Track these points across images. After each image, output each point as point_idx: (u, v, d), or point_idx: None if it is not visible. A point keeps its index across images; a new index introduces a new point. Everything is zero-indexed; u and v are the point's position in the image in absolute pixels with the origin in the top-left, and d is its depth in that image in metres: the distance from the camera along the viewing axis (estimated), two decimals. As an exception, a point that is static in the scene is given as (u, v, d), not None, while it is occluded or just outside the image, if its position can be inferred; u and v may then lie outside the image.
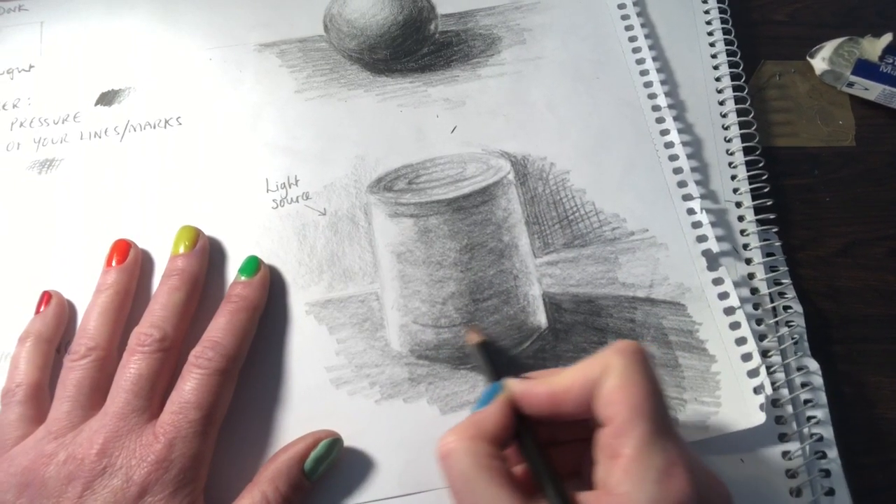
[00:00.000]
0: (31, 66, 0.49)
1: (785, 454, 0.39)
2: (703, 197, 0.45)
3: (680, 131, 0.46)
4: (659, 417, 0.29)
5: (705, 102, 0.48)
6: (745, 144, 0.46)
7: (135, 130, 0.47)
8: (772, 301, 0.43)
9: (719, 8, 0.51)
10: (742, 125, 0.47)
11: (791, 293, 0.44)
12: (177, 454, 0.34)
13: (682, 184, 0.45)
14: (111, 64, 0.49)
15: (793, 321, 0.43)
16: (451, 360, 0.41)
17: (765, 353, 0.41)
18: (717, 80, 0.49)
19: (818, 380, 0.41)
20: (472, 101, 0.48)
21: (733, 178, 0.46)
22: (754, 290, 0.43)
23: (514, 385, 0.33)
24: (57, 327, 0.40)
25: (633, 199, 0.44)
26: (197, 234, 0.42)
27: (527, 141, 0.46)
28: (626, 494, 0.28)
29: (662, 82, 0.48)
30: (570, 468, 0.33)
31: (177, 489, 0.34)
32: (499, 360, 0.39)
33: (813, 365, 0.42)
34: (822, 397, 0.41)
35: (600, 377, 0.30)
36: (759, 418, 0.39)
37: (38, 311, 0.40)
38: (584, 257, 0.43)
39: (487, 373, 0.37)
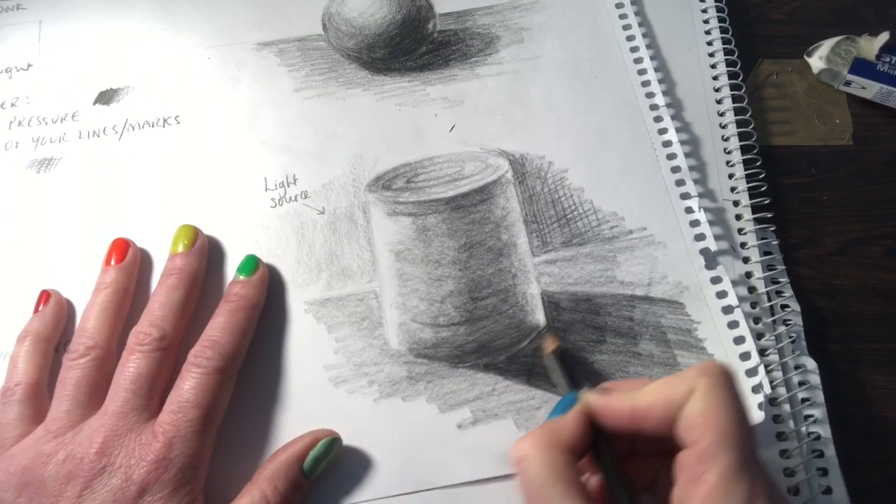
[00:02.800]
0: (29, 65, 0.49)
1: (782, 452, 0.39)
2: (700, 196, 0.45)
3: (678, 130, 0.46)
4: (745, 446, 0.28)
5: (703, 101, 0.48)
6: (742, 143, 0.46)
7: (133, 129, 0.47)
8: (769, 300, 0.43)
9: (717, 7, 0.51)
10: (739, 124, 0.47)
11: (788, 292, 0.44)
12: (176, 453, 0.34)
13: (679, 182, 0.45)
14: (109, 63, 0.49)
15: (790, 320, 0.43)
16: (449, 359, 0.41)
17: (762, 352, 0.41)
18: (715, 78, 0.49)
19: (815, 378, 0.41)
20: (470, 100, 0.48)
21: (731, 176, 0.46)
22: (752, 289, 0.43)
23: (594, 399, 0.32)
24: (56, 326, 0.40)
25: (632, 198, 0.45)
26: (195, 233, 0.42)
27: (525, 140, 0.46)
28: None
29: (660, 81, 0.48)
30: (646, 482, 0.33)
31: (176, 488, 0.34)
32: (574, 367, 0.38)
33: (810, 363, 0.42)
34: (820, 396, 0.41)
35: (684, 399, 0.30)
36: (758, 417, 0.39)
37: (36, 310, 0.40)
38: (583, 256, 0.43)
39: (565, 380, 0.36)
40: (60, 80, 0.48)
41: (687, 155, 0.46)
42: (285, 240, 0.43)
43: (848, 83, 0.50)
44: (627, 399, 0.31)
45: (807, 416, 0.41)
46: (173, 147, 0.46)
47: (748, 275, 0.44)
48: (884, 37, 0.50)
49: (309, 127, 0.47)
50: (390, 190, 0.44)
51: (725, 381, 0.30)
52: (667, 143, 0.46)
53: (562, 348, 0.38)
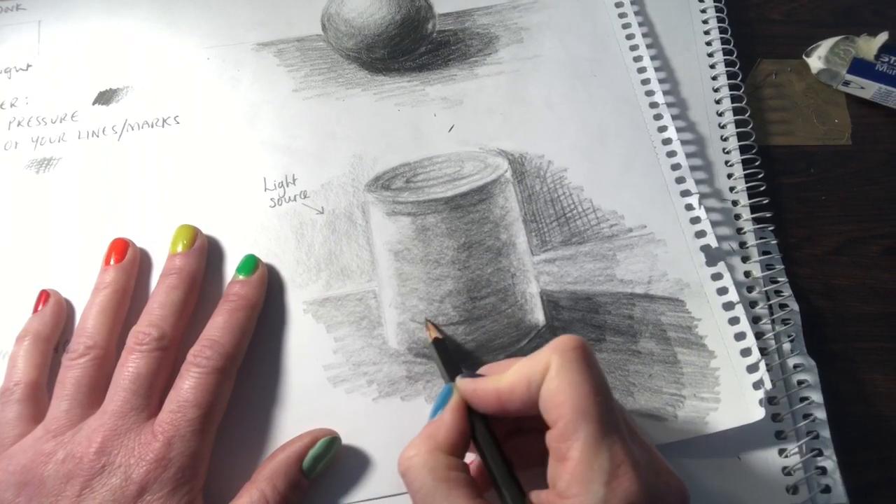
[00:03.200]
0: (28, 66, 0.49)
1: (781, 452, 0.39)
2: (700, 194, 0.45)
3: (677, 129, 0.46)
4: (602, 417, 0.29)
5: (702, 101, 0.48)
6: (741, 143, 0.47)
7: (133, 129, 0.47)
8: (768, 299, 0.43)
9: (716, 7, 0.51)
10: (738, 124, 0.47)
11: (787, 291, 0.44)
12: (175, 453, 0.34)
13: (679, 180, 0.45)
14: (109, 63, 0.49)
15: (789, 319, 0.43)
16: (448, 358, 0.41)
17: (761, 352, 0.41)
18: (714, 78, 0.49)
19: (814, 378, 0.41)
20: (469, 100, 0.48)
21: (730, 176, 0.46)
22: (750, 289, 0.43)
23: (463, 385, 0.33)
24: (55, 326, 0.40)
25: (631, 196, 0.45)
26: (195, 232, 0.42)
27: (524, 139, 0.46)
28: (575, 498, 0.28)
29: (660, 80, 0.48)
30: (536, 457, 0.33)
31: (175, 488, 0.34)
32: (457, 357, 0.39)
33: (809, 363, 0.42)
34: (818, 395, 0.41)
35: (540, 378, 0.30)
36: (759, 413, 0.39)
37: (36, 310, 0.40)
38: (582, 254, 0.43)
39: (442, 372, 0.37)
40: (60, 81, 0.49)
41: (686, 154, 0.46)
42: (284, 239, 0.43)
43: (847, 83, 0.50)
44: (492, 382, 0.32)
45: (805, 416, 0.41)
46: (173, 147, 0.46)
47: (747, 274, 0.44)
48: (882, 37, 0.50)
49: (308, 127, 0.47)
50: (389, 190, 0.44)
51: (577, 354, 0.30)
52: (666, 141, 0.46)
53: (439, 338, 0.39)
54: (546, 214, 0.44)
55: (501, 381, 0.32)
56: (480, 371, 0.34)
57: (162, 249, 0.42)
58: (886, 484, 0.41)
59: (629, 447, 0.29)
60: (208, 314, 0.39)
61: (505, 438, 0.34)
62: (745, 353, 0.40)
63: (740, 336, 0.41)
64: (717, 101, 0.48)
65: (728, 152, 0.47)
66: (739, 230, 0.45)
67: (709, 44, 0.50)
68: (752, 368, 0.40)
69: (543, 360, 0.30)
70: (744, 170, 0.46)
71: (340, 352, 0.41)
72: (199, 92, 0.48)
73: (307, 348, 0.41)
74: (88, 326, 0.38)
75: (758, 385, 0.40)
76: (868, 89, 0.50)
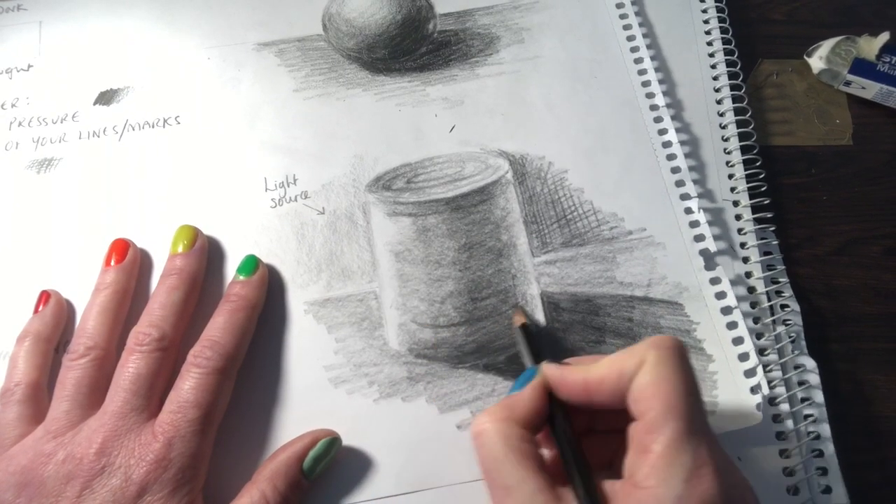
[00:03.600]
0: (29, 66, 0.49)
1: (782, 452, 0.39)
2: (700, 196, 0.45)
3: (678, 130, 0.46)
4: (691, 416, 0.29)
5: (703, 102, 0.48)
6: (742, 143, 0.46)
7: (133, 130, 0.47)
8: (769, 300, 0.43)
9: (717, 7, 0.51)
10: (739, 124, 0.47)
11: (788, 292, 0.44)
12: (175, 453, 0.34)
13: (679, 183, 0.45)
14: (110, 63, 0.49)
15: (790, 320, 0.43)
16: (449, 359, 0.41)
17: (762, 352, 0.41)
18: (715, 79, 0.49)
19: (815, 378, 0.41)
20: (470, 101, 0.48)
21: (730, 177, 0.46)
22: (751, 289, 0.43)
23: (549, 370, 0.33)
24: (55, 327, 0.40)
25: (631, 199, 0.45)
26: (195, 233, 0.42)
27: (525, 140, 0.46)
28: (652, 489, 0.28)
29: (660, 81, 0.48)
30: (605, 458, 0.33)
31: (175, 488, 0.34)
32: (542, 345, 0.39)
33: (810, 363, 0.42)
34: (819, 395, 0.41)
35: (634, 371, 0.30)
36: (756, 418, 0.39)
37: (36, 311, 0.40)
38: (582, 256, 0.43)
39: (527, 356, 0.37)
40: (61, 81, 0.49)
41: (687, 155, 0.46)
42: (285, 240, 0.43)
43: (848, 83, 0.50)
44: (581, 371, 0.32)
45: (806, 416, 0.41)
46: (173, 147, 0.46)
47: (748, 275, 0.44)
48: (884, 37, 0.50)
49: (309, 127, 0.47)
50: (390, 190, 0.44)
51: (675, 353, 0.30)
52: (667, 144, 0.46)
53: (528, 324, 0.38)
54: (547, 216, 0.44)
55: (591, 370, 0.32)
56: (565, 362, 0.34)
57: (162, 250, 0.42)
58: (887, 485, 0.41)
59: (714, 451, 0.29)
60: (209, 315, 0.39)
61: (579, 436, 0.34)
62: (743, 357, 0.40)
63: (738, 340, 0.41)
64: (718, 102, 0.48)
65: (729, 152, 0.47)
66: (740, 230, 0.45)
67: (710, 44, 0.50)
68: (750, 373, 0.40)
69: (639, 353, 0.30)
70: (745, 170, 0.46)
71: (341, 352, 0.41)
72: (200, 92, 0.48)
73: (308, 349, 0.41)
74: (89, 327, 0.38)
75: (755, 389, 0.40)
76: (869, 89, 0.49)
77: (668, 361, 0.30)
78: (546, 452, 0.34)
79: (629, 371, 0.30)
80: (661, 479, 0.28)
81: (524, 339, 0.38)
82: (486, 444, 0.31)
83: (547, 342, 0.41)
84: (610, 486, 0.30)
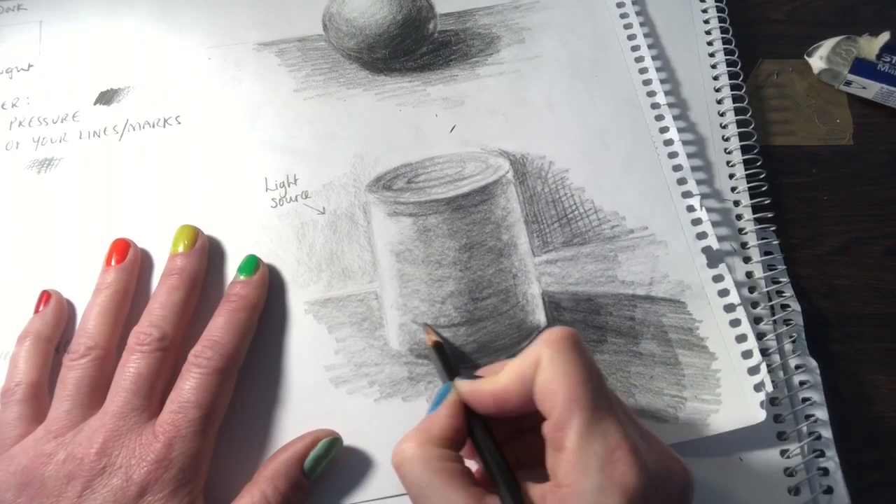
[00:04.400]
0: (30, 66, 0.49)
1: (783, 453, 0.39)
2: (702, 195, 0.45)
3: (679, 129, 0.46)
4: (594, 404, 0.29)
5: (703, 101, 0.48)
6: (743, 143, 0.46)
7: (134, 129, 0.47)
8: (770, 300, 0.43)
9: (717, 7, 0.51)
10: (740, 124, 0.47)
11: (789, 292, 0.44)
12: (176, 453, 0.34)
13: (681, 181, 0.45)
14: (110, 63, 0.49)
15: (791, 320, 0.43)
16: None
17: (763, 352, 0.41)
18: (715, 78, 0.49)
19: (816, 378, 0.41)
20: (470, 101, 0.48)
21: (731, 176, 0.46)
22: (752, 289, 0.43)
23: (462, 386, 0.33)
24: (56, 326, 0.40)
25: (633, 197, 0.45)
26: (196, 233, 0.42)
27: (526, 140, 0.46)
28: (573, 486, 0.28)
29: (661, 81, 0.48)
30: (538, 456, 0.32)
31: (176, 488, 0.34)
32: (452, 359, 0.39)
33: (811, 363, 0.42)
34: (820, 396, 0.41)
35: (532, 373, 0.30)
36: (760, 416, 0.39)
37: (37, 311, 0.40)
38: (584, 255, 0.43)
39: (440, 374, 0.37)
40: (61, 81, 0.48)
41: (688, 154, 0.46)
42: (286, 240, 0.43)
43: (848, 83, 0.50)
44: (489, 384, 0.32)
45: (807, 416, 0.41)
46: (174, 147, 0.46)
47: (749, 274, 0.44)
48: (884, 37, 0.50)
49: (309, 127, 0.47)
50: (391, 190, 0.44)
51: (566, 344, 0.30)
52: (668, 142, 0.46)
53: (438, 342, 0.39)
54: (547, 215, 0.44)
55: (497, 381, 0.32)
56: (478, 373, 0.34)
57: (163, 250, 0.42)
58: (889, 485, 0.41)
59: (625, 431, 0.29)
60: (209, 314, 0.39)
61: (508, 440, 0.34)
62: (747, 355, 0.40)
63: (741, 338, 0.41)
64: (719, 101, 0.48)
65: (729, 152, 0.47)
66: (741, 230, 0.45)
67: (710, 44, 0.50)
68: (754, 370, 0.40)
69: (534, 354, 0.30)
70: (745, 170, 0.46)
71: (342, 352, 0.41)
72: (201, 92, 0.48)
73: (308, 349, 0.41)
74: (89, 327, 0.38)
75: (759, 387, 0.40)
76: (870, 89, 0.49)
77: (562, 355, 0.30)
78: (474, 464, 0.34)
79: (528, 374, 0.30)
80: (579, 473, 0.28)
81: (437, 357, 0.38)
82: (408, 474, 0.31)
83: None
84: (539, 490, 0.30)
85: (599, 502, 0.27)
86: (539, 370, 0.30)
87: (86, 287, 0.41)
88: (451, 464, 0.30)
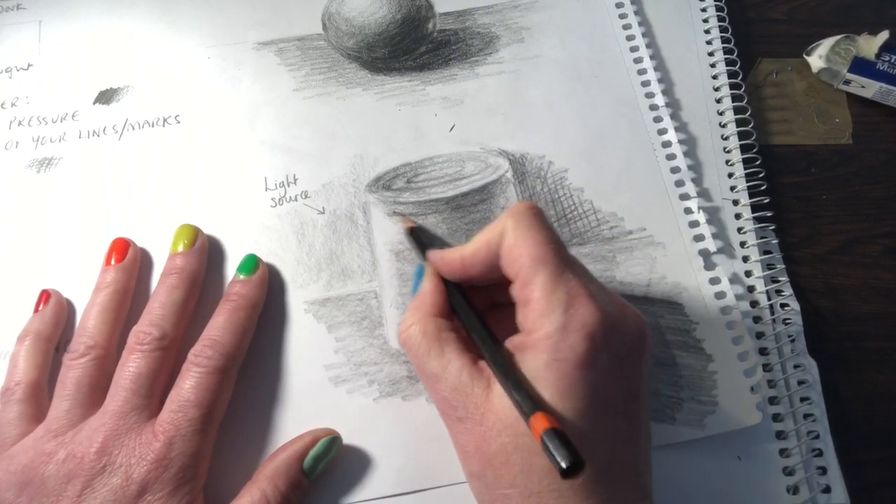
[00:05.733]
0: (29, 65, 0.49)
1: (782, 452, 0.39)
2: (700, 195, 0.45)
3: (677, 130, 0.46)
4: (557, 261, 0.32)
5: (702, 101, 0.48)
6: (741, 142, 0.47)
7: (133, 129, 0.47)
8: (769, 299, 0.43)
9: (716, 6, 0.51)
10: (739, 123, 0.47)
11: (788, 291, 0.44)
12: (176, 452, 0.34)
13: (679, 183, 0.45)
14: (110, 62, 0.49)
15: (789, 319, 0.43)
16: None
17: (762, 351, 0.41)
18: (714, 78, 0.49)
19: (815, 377, 0.42)
20: (470, 100, 0.48)
21: (730, 175, 0.46)
22: (751, 288, 0.43)
23: (432, 256, 0.37)
24: (56, 326, 0.40)
25: (631, 198, 0.45)
26: (196, 232, 0.42)
27: (525, 139, 0.46)
28: (540, 330, 0.30)
29: (659, 81, 0.48)
30: (513, 327, 0.34)
31: (176, 487, 0.34)
32: (428, 241, 0.41)
33: (809, 363, 0.42)
34: (819, 395, 0.41)
35: (498, 239, 0.33)
36: (756, 417, 0.39)
37: (36, 310, 0.40)
38: (582, 256, 0.43)
39: (419, 255, 0.39)
40: (60, 80, 0.49)
41: (686, 154, 0.46)
42: (285, 239, 0.43)
43: (847, 82, 0.50)
44: (457, 251, 0.35)
45: (806, 415, 0.41)
46: (173, 147, 0.46)
47: (747, 274, 0.44)
48: (883, 36, 0.50)
49: (309, 127, 0.47)
50: (390, 190, 0.44)
51: (529, 213, 0.33)
52: (666, 144, 0.46)
53: (413, 227, 0.42)
54: (547, 215, 0.44)
55: (465, 248, 0.35)
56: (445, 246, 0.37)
57: (163, 249, 0.42)
58: (887, 484, 0.41)
59: (585, 282, 0.32)
60: (209, 314, 0.39)
61: (484, 313, 0.36)
62: (743, 357, 0.40)
63: (738, 340, 0.41)
64: (718, 101, 0.48)
65: (729, 151, 0.47)
66: (740, 230, 0.45)
67: (709, 43, 0.50)
68: (750, 372, 0.40)
69: (500, 224, 0.33)
70: (744, 169, 0.46)
71: (341, 352, 0.41)
72: (200, 91, 0.48)
73: (308, 348, 0.41)
74: (89, 326, 0.38)
75: (755, 389, 0.40)
76: (869, 88, 0.49)
77: (525, 222, 0.33)
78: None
79: (495, 240, 0.33)
80: (544, 319, 0.30)
81: (413, 241, 0.40)
82: (412, 346, 0.34)
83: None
84: (511, 343, 0.32)
85: (563, 338, 0.30)
86: (505, 236, 0.33)
87: (85, 286, 0.41)
88: (446, 332, 0.34)
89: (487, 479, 0.31)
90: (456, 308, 0.35)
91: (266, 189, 0.45)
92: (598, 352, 0.30)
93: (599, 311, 0.30)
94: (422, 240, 0.40)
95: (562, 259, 0.32)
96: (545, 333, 0.30)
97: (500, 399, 0.30)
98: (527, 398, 0.29)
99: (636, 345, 0.32)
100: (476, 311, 0.35)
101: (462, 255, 0.35)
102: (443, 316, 0.35)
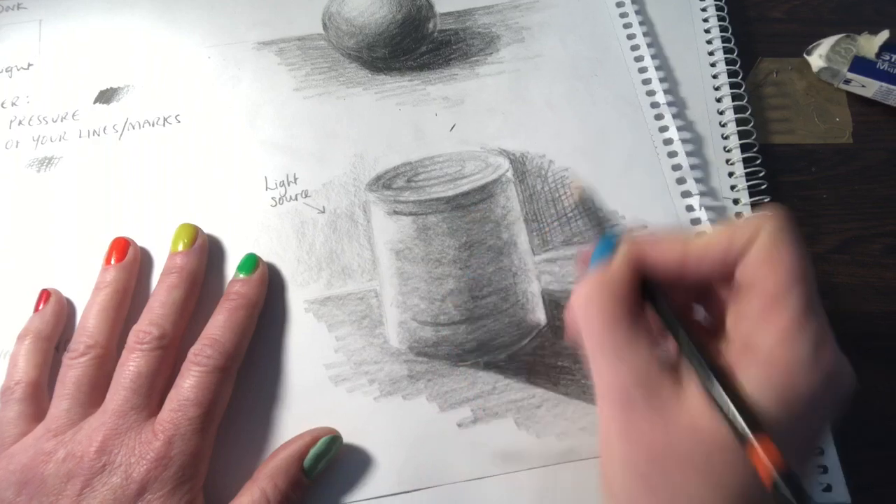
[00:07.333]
0: (29, 65, 0.49)
1: (783, 450, 0.39)
2: (701, 194, 0.45)
3: (678, 129, 0.46)
4: (813, 283, 0.29)
5: (703, 100, 0.48)
6: (742, 142, 0.46)
7: (133, 128, 0.47)
8: (770, 298, 0.43)
9: (716, 6, 0.51)
10: (739, 122, 0.47)
11: (789, 290, 0.44)
12: (176, 451, 0.34)
13: (680, 180, 0.45)
14: (110, 62, 0.49)
15: (790, 318, 0.43)
16: (449, 357, 0.41)
17: (763, 350, 0.41)
18: (715, 77, 0.49)
19: (816, 376, 0.41)
20: (470, 100, 0.48)
21: (731, 175, 0.46)
22: (752, 287, 0.43)
23: (642, 239, 0.32)
24: (56, 325, 0.40)
25: (632, 197, 0.45)
26: (196, 231, 0.42)
27: (525, 139, 0.46)
28: (781, 356, 0.28)
29: (660, 80, 0.48)
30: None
31: (176, 486, 0.34)
32: (602, 211, 0.38)
33: (811, 361, 0.42)
34: (820, 394, 0.41)
35: (747, 242, 0.29)
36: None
37: (36, 309, 0.40)
38: (583, 254, 0.43)
39: (599, 222, 0.36)
40: (61, 80, 0.49)
41: (687, 153, 0.46)
42: (286, 239, 0.43)
43: (848, 81, 0.50)
44: (679, 242, 0.31)
45: (807, 415, 0.40)
46: (173, 146, 0.46)
47: (748, 273, 0.44)
48: (884, 35, 0.50)
49: (309, 126, 0.47)
50: (391, 189, 0.44)
51: (790, 223, 0.30)
52: (668, 142, 0.46)
53: (585, 194, 0.38)
54: (547, 214, 0.44)
55: (693, 242, 0.30)
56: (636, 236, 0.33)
57: (163, 248, 0.42)
58: (888, 483, 0.41)
59: (828, 324, 0.29)
60: (209, 313, 0.39)
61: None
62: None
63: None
64: (718, 100, 0.48)
65: (729, 151, 0.47)
66: (741, 229, 0.45)
67: (709, 42, 0.50)
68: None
69: (752, 225, 0.29)
70: (745, 168, 0.46)
71: (342, 351, 0.41)
72: (200, 91, 0.48)
73: (308, 347, 0.41)
74: (89, 326, 0.38)
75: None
76: (869, 88, 0.49)
77: (787, 227, 0.29)
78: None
79: (741, 243, 0.29)
80: (790, 347, 0.27)
81: (586, 210, 0.37)
82: (599, 306, 0.30)
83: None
84: (725, 350, 0.29)
85: (802, 375, 0.27)
86: (760, 240, 0.29)
87: (85, 286, 0.41)
88: (638, 315, 0.30)
89: (653, 480, 0.28)
90: (658, 307, 0.31)
91: (266, 188, 0.45)
92: (826, 409, 0.28)
93: (840, 363, 0.28)
94: (596, 210, 0.37)
95: (816, 287, 0.29)
96: (787, 361, 0.27)
97: (694, 401, 0.28)
98: (754, 421, 0.26)
99: (845, 409, 0.29)
100: (686, 313, 0.31)
101: (686, 248, 0.30)
102: (629, 300, 0.30)
